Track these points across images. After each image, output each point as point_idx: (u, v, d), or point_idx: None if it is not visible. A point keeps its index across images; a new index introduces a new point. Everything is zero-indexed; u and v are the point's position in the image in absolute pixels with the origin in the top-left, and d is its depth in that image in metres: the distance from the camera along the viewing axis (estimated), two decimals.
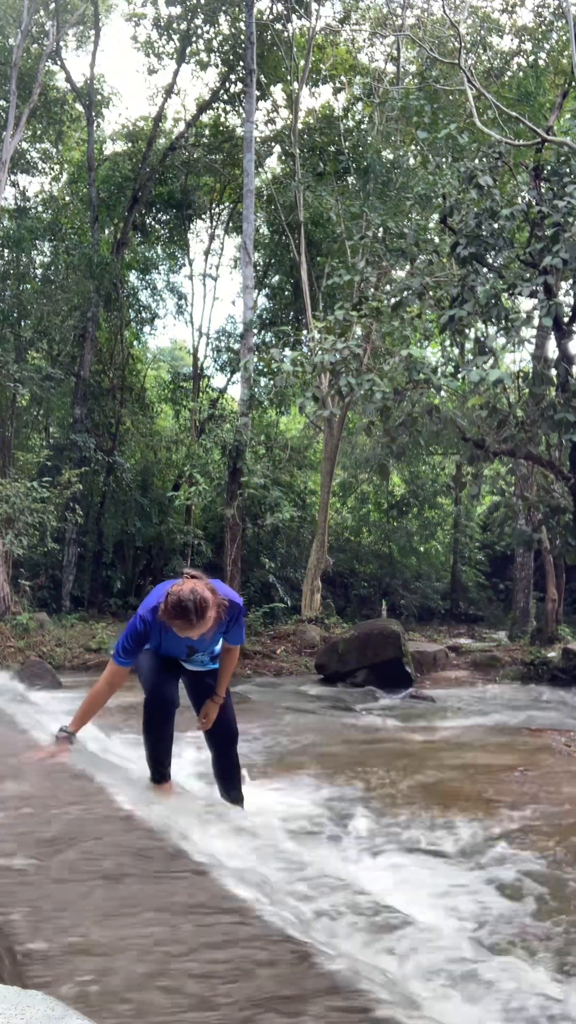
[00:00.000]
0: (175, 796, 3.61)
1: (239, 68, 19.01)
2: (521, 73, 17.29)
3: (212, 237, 22.51)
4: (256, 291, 18.25)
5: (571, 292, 10.99)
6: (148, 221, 21.69)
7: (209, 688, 3.73)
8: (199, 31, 19.83)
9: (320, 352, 10.17)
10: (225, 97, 20.76)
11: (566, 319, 10.02)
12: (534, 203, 9.67)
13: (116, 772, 3.73)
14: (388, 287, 11.64)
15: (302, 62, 18.29)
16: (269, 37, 18.42)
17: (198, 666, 3.73)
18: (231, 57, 19.71)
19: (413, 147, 16.87)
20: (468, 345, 11.25)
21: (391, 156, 16.78)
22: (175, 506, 17.66)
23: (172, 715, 3.54)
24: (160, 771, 3.64)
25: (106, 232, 21.22)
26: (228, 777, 3.86)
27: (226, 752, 3.86)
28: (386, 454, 12.06)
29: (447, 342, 12.46)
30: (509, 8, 17.65)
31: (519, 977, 2.23)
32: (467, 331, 10.33)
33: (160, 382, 23.40)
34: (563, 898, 2.99)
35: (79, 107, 20.72)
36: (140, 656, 3.58)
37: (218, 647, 3.66)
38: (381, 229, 11.68)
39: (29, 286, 18.88)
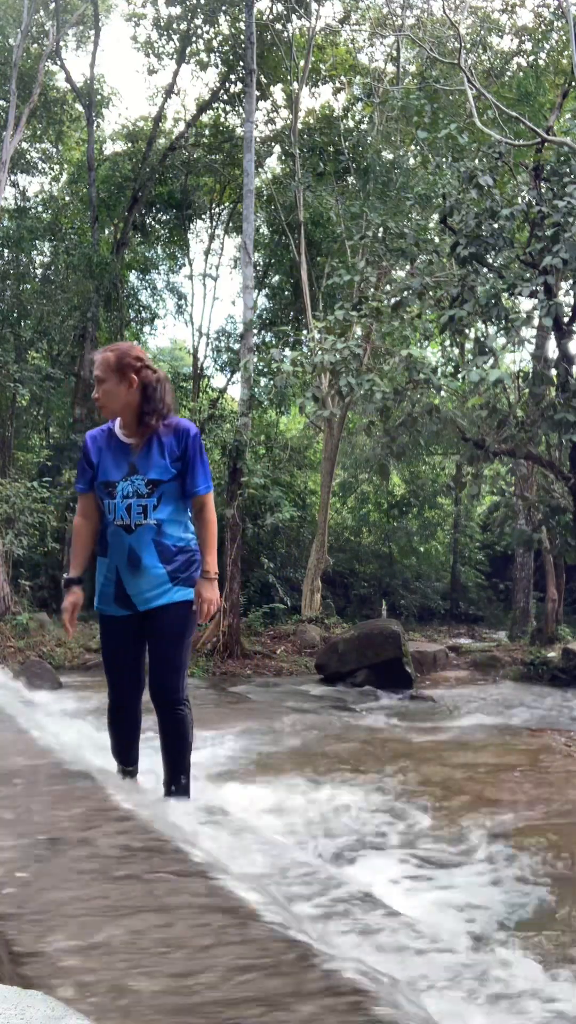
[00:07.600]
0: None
1: (239, 68, 18.98)
2: (521, 73, 17.27)
3: (212, 237, 22.52)
4: (256, 291, 18.23)
5: (571, 292, 10.99)
6: (148, 221, 21.67)
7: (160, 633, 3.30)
8: (199, 31, 19.81)
9: (320, 352, 10.16)
10: (225, 97, 20.74)
11: (566, 319, 10.02)
12: (534, 203, 9.66)
13: (114, 772, 3.73)
14: (388, 287, 11.63)
15: (302, 62, 18.27)
16: (269, 37, 18.39)
17: (132, 503, 3.19)
18: (231, 57, 19.69)
19: (413, 147, 16.84)
20: (468, 345, 11.24)
21: (391, 156, 16.77)
22: None
23: (134, 708, 3.49)
24: (125, 763, 3.59)
25: (106, 232, 21.21)
26: (174, 750, 3.34)
27: (171, 686, 3.27)
28: (386, 454, 12.05)
29: (447, 342, 12.45)
30: (509, 8, 17.63)
31: (519, 976, 2.23)
32: (467, 331, 10.32)
33: None
34: (562, 897, 2.99)
35: (79, 107, 20.69)
36: (103, 637, 3.51)
37: (161, 475, 3.20)
38: (381, 229, 11.66)
39: (29, 286, 18.88)
